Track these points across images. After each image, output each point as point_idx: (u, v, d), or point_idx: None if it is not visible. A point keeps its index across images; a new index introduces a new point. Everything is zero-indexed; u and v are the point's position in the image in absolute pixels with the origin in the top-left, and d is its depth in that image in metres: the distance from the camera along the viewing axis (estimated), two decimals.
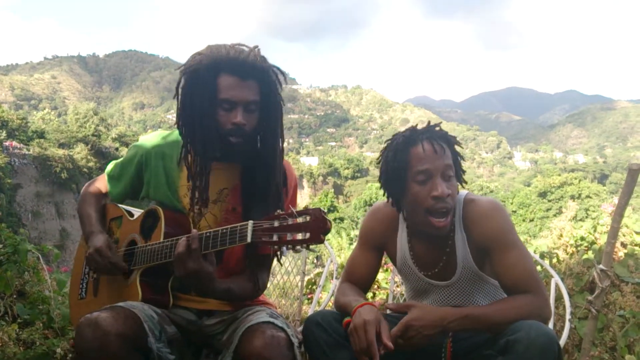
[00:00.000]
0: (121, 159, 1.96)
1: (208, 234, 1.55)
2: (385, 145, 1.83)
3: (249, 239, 1.42)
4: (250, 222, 1.44)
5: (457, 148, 1.79)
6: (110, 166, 1.99)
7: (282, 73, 1.74)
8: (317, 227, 1.33)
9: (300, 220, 1.35)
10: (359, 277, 1.93)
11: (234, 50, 1.65)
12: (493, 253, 1.73)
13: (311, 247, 1.38)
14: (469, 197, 1.82)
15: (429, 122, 1.81)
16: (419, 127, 1.79)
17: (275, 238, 1.37)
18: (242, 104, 1.66)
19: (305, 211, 1.36)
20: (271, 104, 1.71)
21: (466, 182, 1.83)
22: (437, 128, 1.78)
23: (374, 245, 1.95)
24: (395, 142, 1.77)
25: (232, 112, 1.65)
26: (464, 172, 1.82)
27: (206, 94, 1.64)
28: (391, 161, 1.76)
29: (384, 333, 1.57)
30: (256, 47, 1.69)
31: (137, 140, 1.94)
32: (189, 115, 1.70)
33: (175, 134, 1.83)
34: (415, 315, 1.60)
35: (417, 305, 1.64)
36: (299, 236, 1.34)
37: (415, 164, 1.70)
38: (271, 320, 1.56)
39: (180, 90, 1.72)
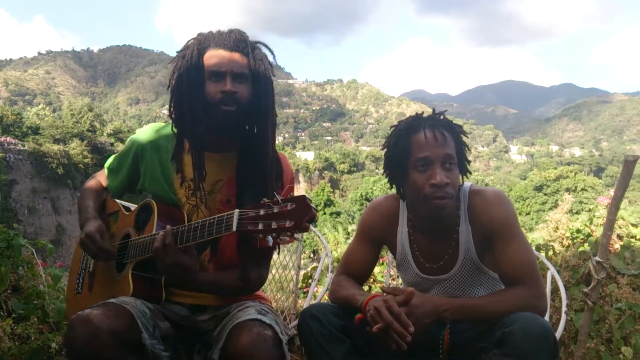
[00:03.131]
0: (119, 152, 1.97)
1: (196, 224, 1.55)
2: (390, 132, 1.82)
3: (234, 228, 1.41)
4: (236, 211, 1.43)
5: (463, 138, 1.77)
6: (109, 160, 2.00)
7: (270, 50, 1.78)
8: (302, 214, 1.32)
9: (285, 207, 1.34)
10: (356, 270, 1.92)
11: (219, 30, 1.72)
12: (495, 242, 1.73)
13: (296, 235, 1.36)
14: (474, 189, 1.80)
15: (433, 110, 1.79)
16: (424, 114, 1.78)
17: (260, 226, 1.36)
18: (230, 74, 1.67)
19: (290, 199, 1.35)
20: (262, 78, 1.71)
21: (470, 173, 1.81)
22: (441, 117, 1.76)
23: (373, 240, 1.94)
24: (398, 129, 1.77)
25: (220, 82, 1.67)
26: (469, 162, 1.79)
27: (193, 71, 1.67)
28: (393, 147, 1.76)
29: None
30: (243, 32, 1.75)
31: (134, 134, 1.95)
32: (178, 98, 1.72)
33: (170, 127, 1.83)
34: (415, 303, 1.60)
35: (414, 292, 1.63)
36: (284, 224, 1.33)
37: (416, 151, 1.69)
38: (259, 317, 1.55)
39: (171, 82, 1.73)
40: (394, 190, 1.89)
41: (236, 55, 1.69)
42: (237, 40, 1.70)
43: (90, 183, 2.01)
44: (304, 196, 1.35)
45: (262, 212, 1.37)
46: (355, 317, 1.66)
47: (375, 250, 1.95)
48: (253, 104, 1.71)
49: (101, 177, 2.01)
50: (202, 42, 1.71)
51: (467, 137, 1.79)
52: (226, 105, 1.66)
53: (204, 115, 1.68)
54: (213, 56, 1.68)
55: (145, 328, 1.52)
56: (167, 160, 1.81)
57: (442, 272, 1.83)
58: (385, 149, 1.82)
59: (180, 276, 1.60)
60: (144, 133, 1.89)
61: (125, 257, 1.75)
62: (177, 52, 1.76)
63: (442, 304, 1.62)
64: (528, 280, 1.65)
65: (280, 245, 1.49)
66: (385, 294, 1.64)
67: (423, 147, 1.68)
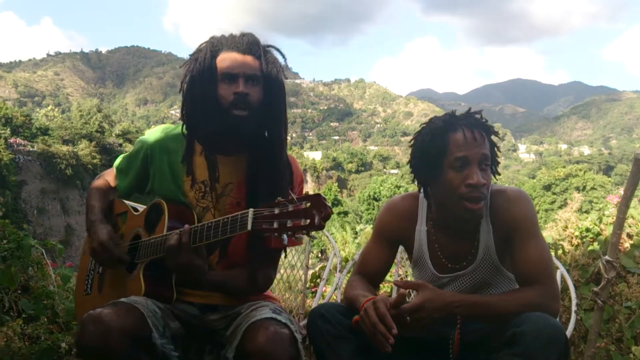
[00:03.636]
0: (128, 152, 1.97)
1: (210, 224, 1.54)
2: (420, 129, 1.79)
3: (249, 227, 1.41)
4: (251, 210, 1.42)
5: (494, 138, 1.76)
6: (118, 160, 2.00)
7: (282, 54, 1.78)
8: (318, 212, 1.32)
9: (300, 206, 1.34)
10: (371, 270, 1.91)
11: (231, 34, 1.73)
12: (514, 240, 1.71)
13: (311, 233, 1.36)
14: (496, 188, 1.79)
15: (469, 109, 1.77)
16: (457, 113, 1.75)
17: (275, 225, 1.36)
18: (243, 76, 1.68)
19: (306, 197, 1.34)
20: (274, 81, 1.72)
21: (499, 174, 1.79)
22: (478, 115, 1.74)
23: (389, 240, 1.92)
24: (433, 127, 1.73)
25: (233, 84, 1.67)
26: (498, 163, 1.78)
27: (206, 73, 1.68)
28: (427, 146, 1.72)
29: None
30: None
31: (143, 135, 1.95)
32: (190, 100, 1.72)
33: (180, 128, 1.83)
34: (428, 296, 1.57)
35: (427, 286, 1.61)
36: (300, 222, 1.32)
37: (454, 150, 1.66)
38: (274, 316, 1.55)
39: (184, 85, 1.74)
40: (401, 190, 1.88)
41: (249, 58, 1.69)
42: (249, 43, 1.71)
43: (98, 182, 2.00)
44: (319, 194, 1.34)
45: (277, 210, 1.37)
46: (354, 319, 1.65)
47: (391, 250, 1.93)
48: (265, 107, 1.71)
49: (109, 177, 2.01)
50: (215, 45, 1.71)
51: (500, 138, 1.77)
52: (238, 109, 1.66)
53: (216, 117, 1.68)
54: (226, 59, 1.69)
55: (156, 327, 1.52)
56: (176, 163, 1.81)
57: (459, 270, 1.82)
58: (414, 146, 1.79)
59: (190, 276, 1.61)
60: (153, 134, 1.89)
61: (135, 257, 1.75)
62: (189, 55, 1.76)
63: (455, 299, 1.59)
64: (543, 281, 1.63)
65: (285, 240, 1.50)
66: (391, 290, 1.63)
67: (461, 147, 1.65)
